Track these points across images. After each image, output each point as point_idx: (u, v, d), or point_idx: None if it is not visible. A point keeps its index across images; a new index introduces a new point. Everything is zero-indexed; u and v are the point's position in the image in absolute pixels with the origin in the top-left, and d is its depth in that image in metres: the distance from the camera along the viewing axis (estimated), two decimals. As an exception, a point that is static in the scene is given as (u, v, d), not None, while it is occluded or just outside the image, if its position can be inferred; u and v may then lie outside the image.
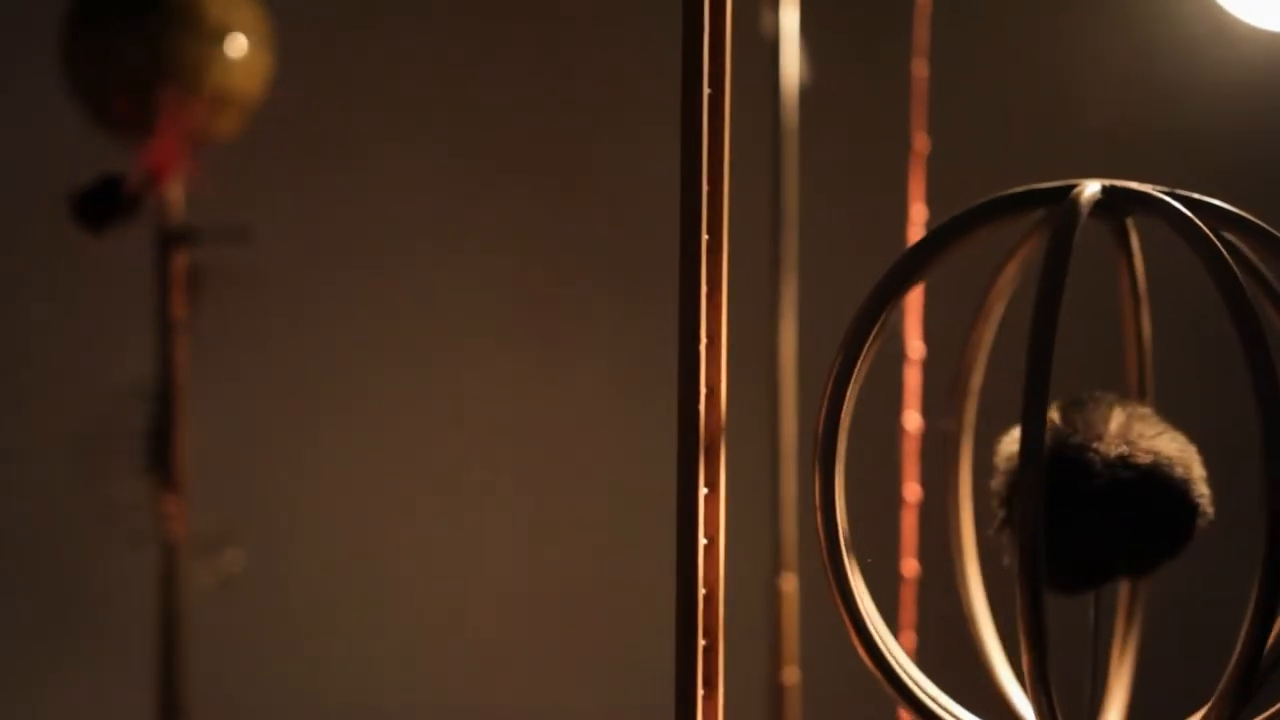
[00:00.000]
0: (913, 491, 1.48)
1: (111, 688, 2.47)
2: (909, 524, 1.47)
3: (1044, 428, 1.05)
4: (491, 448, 2.60)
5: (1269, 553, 1.04)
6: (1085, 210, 1.10)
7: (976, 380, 1.24)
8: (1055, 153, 2.54)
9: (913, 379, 1.49)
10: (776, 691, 1.61)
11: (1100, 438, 1.13)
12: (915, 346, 1.49)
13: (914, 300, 1.50)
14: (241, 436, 2.53)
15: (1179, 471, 1.13)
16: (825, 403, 1.14)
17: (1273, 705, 1.10)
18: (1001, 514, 1.17)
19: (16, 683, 2.50)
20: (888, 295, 1.13)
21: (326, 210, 2.58)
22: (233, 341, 2.25)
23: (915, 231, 1.53)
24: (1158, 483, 1.12)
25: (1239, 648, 1.06)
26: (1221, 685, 1.07)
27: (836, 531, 1.14)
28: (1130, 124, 2.51)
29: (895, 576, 1.49)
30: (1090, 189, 1.12)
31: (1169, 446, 1.14)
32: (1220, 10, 1.71)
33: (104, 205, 1.87)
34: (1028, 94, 2.56)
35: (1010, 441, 1.17)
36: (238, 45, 1.99)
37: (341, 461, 2.58)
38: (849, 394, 1.13)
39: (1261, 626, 1.05)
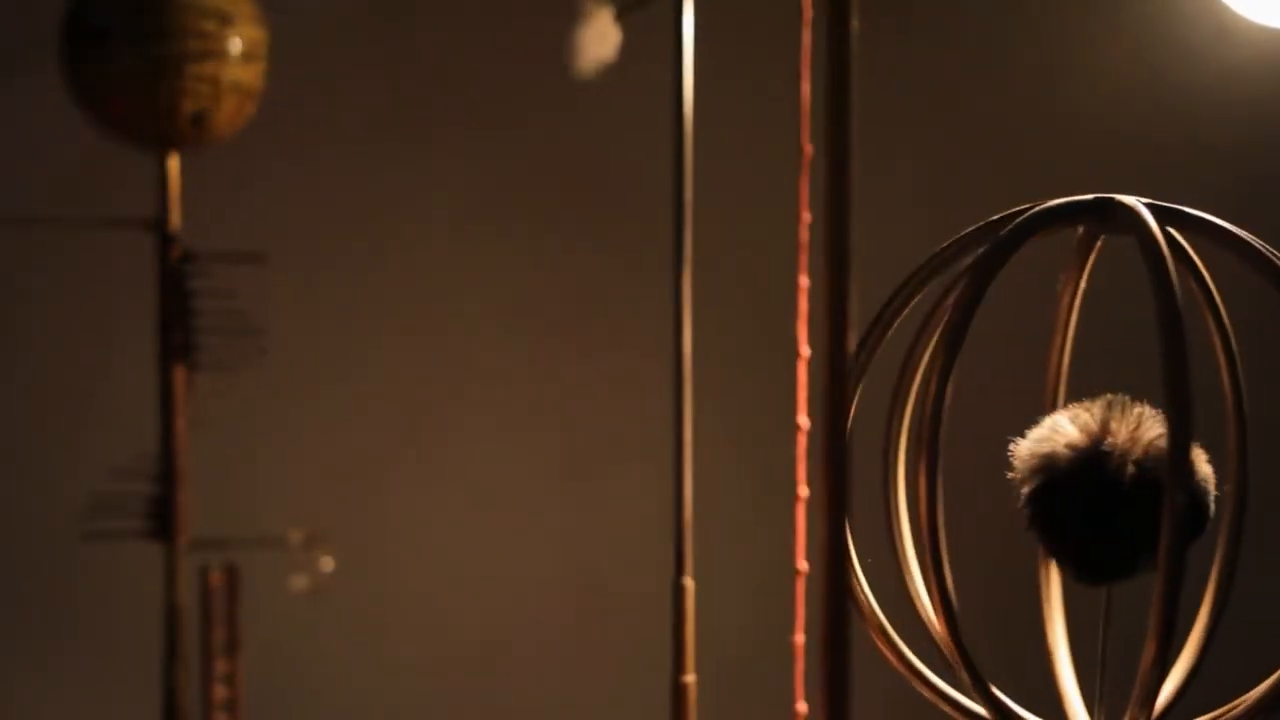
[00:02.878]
0: (805, 489, 1.51)
1: (112, 688, 2.47)
2: (800, 521, 1.49)
3: (1190, 433, 1.10)
4: (512, 447, 2.59)
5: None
6: (1155, 227, 1.12)
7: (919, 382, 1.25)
8: (1051, 157, 2.55)
9: (803, 377, 1.52)
10: (679, 692, 1.62)
11: (1135, 440, 1.17)
12: (805, 347, 1.52)
13: (803, 302, 1.53)
14: (266, 436, 2.53)
15: (1204, 469, 1.18)
16: (930, 403, 1.17)
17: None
18: (1028, 512, 1.19)
19: (16, 683, 2.50)
20: (975, 300, 1.16)
21: (342, 213, 2.58)
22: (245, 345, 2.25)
23: (805, 234, 1.56)
24: (1195, 480, 1.16)
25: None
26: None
27: (938, 534, 1.16)
28: (1129, 127, 2.52)
29: (790, 571, 1.53)
30: (1142, 209, 1.14)
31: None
32: (1222, 9, 1.71)
33: None
34: (1022, 96, 2.57)
35: (1032, 442, 1.18)
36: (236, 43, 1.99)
37: (359, 463, 2.57)
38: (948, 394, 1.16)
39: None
